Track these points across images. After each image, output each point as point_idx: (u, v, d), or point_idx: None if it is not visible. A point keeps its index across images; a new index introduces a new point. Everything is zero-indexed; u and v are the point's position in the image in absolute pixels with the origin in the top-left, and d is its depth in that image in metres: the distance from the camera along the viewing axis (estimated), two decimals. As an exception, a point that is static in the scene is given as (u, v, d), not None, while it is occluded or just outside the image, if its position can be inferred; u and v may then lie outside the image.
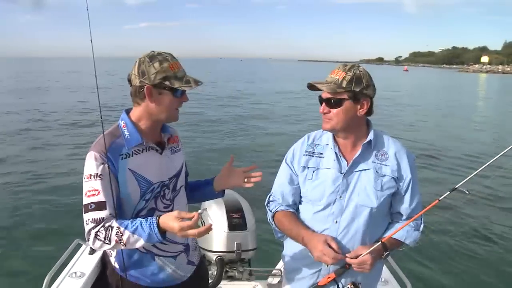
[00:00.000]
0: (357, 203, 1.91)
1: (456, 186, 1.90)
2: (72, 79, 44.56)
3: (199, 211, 1.64)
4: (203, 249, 2.89)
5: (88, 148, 1.75)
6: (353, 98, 1.85)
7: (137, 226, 1.64)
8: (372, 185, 1.91)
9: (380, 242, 1.88)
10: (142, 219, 1.65)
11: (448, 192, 1.90)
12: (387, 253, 1.92)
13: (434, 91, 42.81)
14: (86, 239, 1.69)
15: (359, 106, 1.87)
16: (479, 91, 47.39)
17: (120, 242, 1.64)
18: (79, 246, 2.70)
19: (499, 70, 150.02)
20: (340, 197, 1.93)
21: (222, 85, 37.39)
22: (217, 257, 2.90)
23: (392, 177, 1.92)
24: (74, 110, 19.94)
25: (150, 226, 1.63)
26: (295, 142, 2.12)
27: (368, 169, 1.93)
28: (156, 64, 1.70)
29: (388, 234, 1.94)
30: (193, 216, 1.58)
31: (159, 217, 1.65)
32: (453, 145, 13.85)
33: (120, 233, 1.64)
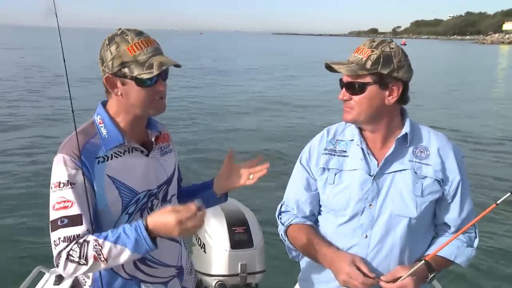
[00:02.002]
0: (392, 212, 1.93)
1: None
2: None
3: (196, 202, 1.68)
4: (200, 272, 2.95)
5: (53, 151, 1.77)
6: (379, 83, 1.87)
7: (120, 233, 1.67)
8: (410, 189, 1.92)
9: (423, 261, 1.88)
10: (125, 224, 1.70)
11: (509, 194, 1.78)
12: (432, 275, 1.91)
13: (438, 69, 43.27)
14: (56, 264, 1.69)
15: (387, 93, 1.89)
16: (500, 69, 48.43)
17: (100, 258, 1.65)
18: (41, 274, 2.77)
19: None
20: (370, 205, 1.95)
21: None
22: (217, 282, 2.95)
23: (436, 179, 1.94)
24: (32, 98, 18.44)
25: (136, 230, 1.67)
26: (309, 137, 2.19)
27: (404, 169, 1.95)
28: (113, 48, 1.72)
29: (433, 251, 1.94)
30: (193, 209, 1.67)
31: (146, 218, 1.70)
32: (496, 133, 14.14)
33: (99, 245, 1.65)
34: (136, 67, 1.71)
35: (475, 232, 2.05)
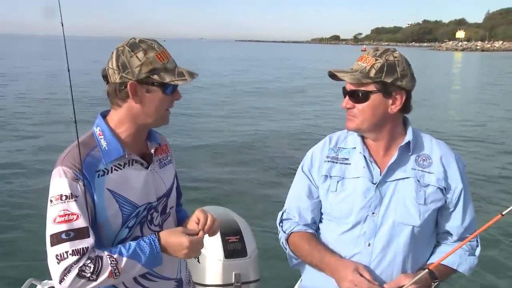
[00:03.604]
0: (395, 220, 1.92)
1: None
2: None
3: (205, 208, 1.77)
4: (194, 282, 2.82)
5: (45, 162, 1.84)
6: (383, 91, 1.87)
7: (134, 247, 1.69)
8: (413, 197, 1.92)
9: (426, 270, 1.85)
10: (139, 240, 1.73)
11: None
12: (436, 283, 1.90)
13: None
14: (59, 280, 1.62)
15: (391, 101, 1.89)
16: (453, 73, 50.22)
17: (115, 274, 1.65)
18: (32, 287, 2.69)
19: (478, 47, 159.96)
20: (373, 213, 1.94)
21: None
22: None
23: (438, 187, 1.94)
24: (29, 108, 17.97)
25: (151, 245, 1.70)
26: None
27: (407, 177, 1.94)
28: (140, 54, 1.71)
29: (436, 260, 1.92)
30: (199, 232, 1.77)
31: (158, 235, 1.74)
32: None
33: (115, 260, 1.65)
34: (166, 74, 1.72)
35: (477, 241, 2.04)
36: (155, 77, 1.71)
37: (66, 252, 1.61)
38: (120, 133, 1.80)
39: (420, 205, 1.91)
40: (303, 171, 2.12)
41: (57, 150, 1.77)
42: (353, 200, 1.97)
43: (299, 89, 27.21)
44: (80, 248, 1.62)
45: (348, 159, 2.03)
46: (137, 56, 1.70)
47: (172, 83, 1.72)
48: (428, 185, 1.93)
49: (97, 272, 1.63)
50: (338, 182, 2.01)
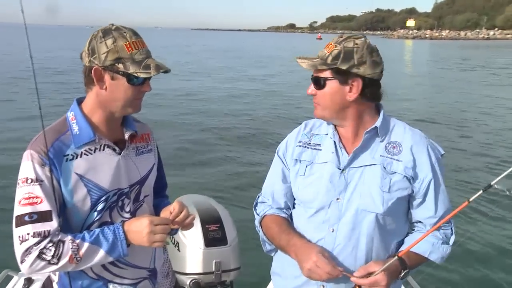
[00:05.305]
0: (358, 207, 1.90)
1: (492, 183, 1.77)
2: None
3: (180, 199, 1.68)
4: (174, 271, 2.76)
5: (20, 149, 1.72)
6: (339, 78, 1.85)
7: (98, 233, 1.72)
8: (377, 185, 1.89)
9: (396, 257, 1.84)
10: (104, 227, 1.75)
11: (481, 191, 1.78)
12: (406, 271, 1.87)
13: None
14: (20, 260, 1.66)
15: (348, 88, 1.86)
16: (405, 61, 51.68)
17: (76, 258, 1.67)
18: (9, 278, 2.65)
19: (427, 35, 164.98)
20: (337, 199, 1.93)
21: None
22: (191, 280, 2.89)
23: (405, 176, 1.90)
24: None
25: (114, 232, 1.72)
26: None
27: (373, 164, 1.91)
28: (109, 41, 1.71)
29: (406, 247, 1.89)
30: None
31: (124, 222, 1.76)
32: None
33: (76, 245, 1.67)
34: (132, 64, 1.69)
35: (451, 229, 2.01)
36: (120, 66, 1.70)
37: (28, 233, 1.64)
38: (93, 118, 1.81)
39: (384, 192, 1.88)
40: (278, 156, 2.14)
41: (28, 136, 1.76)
42: (319, 184, 1.96)
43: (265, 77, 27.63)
44: (41, 231, 1.64)
45: (320, 144, 2.02)
46: (106, 43, 1.70)
47: (135, 74, 1.70)
48: (395, 172, 1.89)
49: (57, 256, 1.64)
50: (307, 166, 2.02)
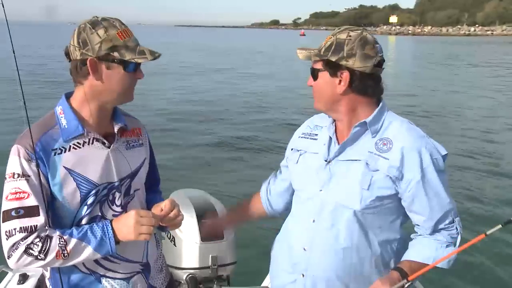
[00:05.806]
0: (337, 201, 1.88)
1: None
2: None
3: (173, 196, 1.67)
4: (170, 266, 2.78)
5: (7, 145, 1.71)
6: (328, 70, 1.84)
7: (86, 229, 1.71)
8: (358, 181, 1.84)
9: (405, 280, 1.75)
10: (93, 223, 1.75)
11: (500, 226, 1.66)
12: (408, 283, 1.76)
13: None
14: (7, 256, 1.65)
15: (337, 80, 1.84)
16: (389, 56, 51.69)
17: (63, 254, 1.67)
18: (3, 274, 2.63)
19: (409, 31, 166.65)
20: (321, 190, 1.93)
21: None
22: (188, 275, 2.88)
23: (388, 176, 1.82)
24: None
25: (103, 229, 1.72)
26: None
27: (358, 160, 1.87)
28: (101, 31, 1.70)
29: (406, 257, 1.85)
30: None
31: (112, 219, 1.77)
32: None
33: (64, 241, 1.67)
34: (127, 52, 1.71)
35: (457, 228, 1.89)
36: (115, 54, 1.70)
37: (14, 229, 1.63)
38: (82, 112, 1.80)
39: (363, 190, 1.83)
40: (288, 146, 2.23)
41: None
42: (306, 175, 1.99)
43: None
44: (28, 226, 1.64)
45: (317, 135, 2.03)
46: (97, 33, 1.69)
47: (132, 60, 1.71)
48: (377, 170, 1.83)
49: (45, 251, 1.64)
50: (300, 155, 2.05)
